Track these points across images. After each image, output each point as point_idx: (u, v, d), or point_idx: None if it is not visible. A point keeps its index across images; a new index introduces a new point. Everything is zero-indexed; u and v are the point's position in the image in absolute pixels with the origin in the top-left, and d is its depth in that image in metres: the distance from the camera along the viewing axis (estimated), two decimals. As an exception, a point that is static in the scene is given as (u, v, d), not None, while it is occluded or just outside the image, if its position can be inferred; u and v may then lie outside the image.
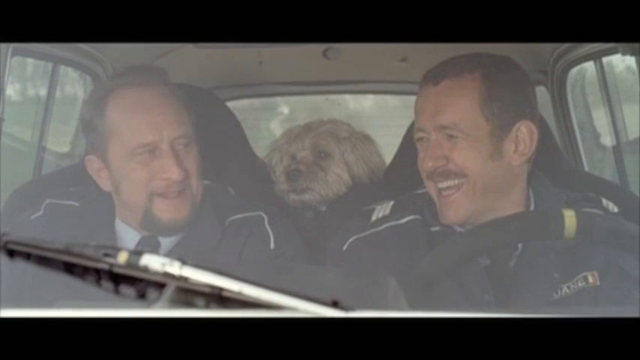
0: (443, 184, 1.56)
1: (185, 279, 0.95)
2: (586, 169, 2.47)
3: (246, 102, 3.22)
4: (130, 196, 1.65)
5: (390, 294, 1.21)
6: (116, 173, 1.64)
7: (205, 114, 1.70)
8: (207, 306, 0.94)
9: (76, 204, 1.75)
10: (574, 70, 2.38)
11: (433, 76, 1.58)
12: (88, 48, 2.17)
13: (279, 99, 3.83)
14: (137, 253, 0.98)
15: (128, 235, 1.69)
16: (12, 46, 1.70)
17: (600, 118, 2.58)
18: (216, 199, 1.72)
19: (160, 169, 1.61)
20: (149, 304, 0.95)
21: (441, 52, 1.62)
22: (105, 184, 1.68)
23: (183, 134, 1.64)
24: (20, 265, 1.04)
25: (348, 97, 3.65)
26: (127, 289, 0.96)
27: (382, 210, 1.67)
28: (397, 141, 1.99)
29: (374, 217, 1.66)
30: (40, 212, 1.74)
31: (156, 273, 0.96)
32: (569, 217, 1.35)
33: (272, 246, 1.69)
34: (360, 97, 3.88)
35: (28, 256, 1.02)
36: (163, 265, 0.96)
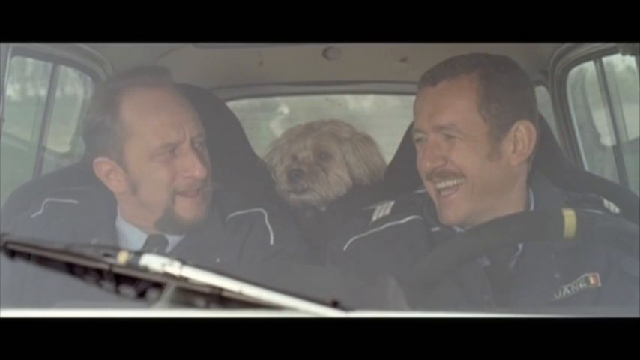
0: (442, 185, 1.56)
1: (185, 279, 0.95)
2: (586, 169, 2.47)
3: (246, 102, 3.22)
4: (150, 196, 1.64)
5: (390, 294, 1.21)
6: (134, 174, 1.63)
7: (205, 114, 1.70)
8: (207, 306, 0.94)
9: (75, 202, 1.75)
10: (574, 70, 2.38)
11: (431, 77, 1.58)
12: (88, 48, 2.17)
13: (279, 99, 3.82)
14: (137, 253, 0.98)
15: (133, 235, 1.69)
16: (12, 46, 1.70)
17: (600, 118, 2.58)
18: (218, 197, 1.73)
19: (183, 168, 1.62)
20: (149, 304, 0.95)
21: (441, 52, 1.62)
22: (116, 186, 1.67)
23: (201, 132, 1.66)
24: (20, 265, 1.04)
25: (348, 97, 3.65)
26: (127, 289, 0.96)
27: (382, 210, 1.67)
28: (397, 141, 2.00)
29: (374, 218, 1.66)
30: (40, 211, 1.74)
31: (156, 273, 0.96)
32: (569, 217, 1.35)
33: (272, 242, 1.70)
34: (360, 97, 3.88)
35: (28, 256, 1.02)
36: (163, 265, 0.96)
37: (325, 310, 0.93)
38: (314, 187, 1.98)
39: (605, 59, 2.31)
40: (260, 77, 2.79)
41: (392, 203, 1.68)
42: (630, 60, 1.77)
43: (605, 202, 1.62)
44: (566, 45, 2.20)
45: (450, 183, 1.55)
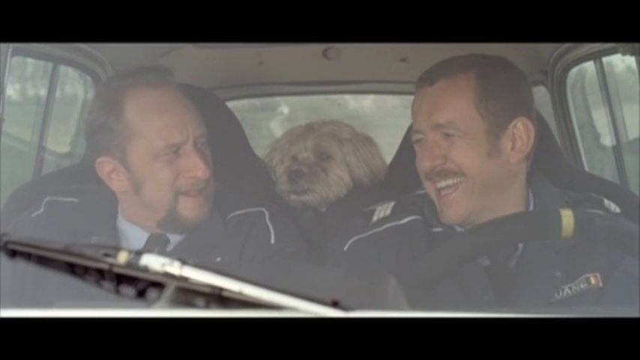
0: (441, 184, 1.56)
1: (185, 279, 0.95)
2: (586, 169, 2.47)
3: (246, 102, 3.21)
4: (153, 196, 1.65)
5: (390, 294, 1.21)
6: (137, 174, 1.64)
7: (205, 114, 1.70)
8: (207, 306, 0.94)
9: (75, 200, 1.75)
10: (574, 70, 2.38)
11: (428, 77, 1.59)
12: (88, 48, 2.17)
13: (279, 99, 3.82)
14: (137, 253, 0.98)
15: (135, 234, 1.70)
16: (12, 46, 1.70)
17: (600, 118, 2.58)
18: (218, 197, 1.73)
19: (186, 168, 1.63)
20: (149, 304, 0.95)
21: (441, 53, 1.62)
22: (119, 186, 1.67)
23: (204, 133, 1.67)
24: (20, 265, 1.04)
25: (348, 97, 3.64)
26: (127, 289, 0.96)
27: (383, 211, 1.67)
28: (397, 141, 2.00)
29: (375, 218, 1.66)
30: (41, 210, 1.74)
31: (156, 273, 0.96)
32: (567, 216, 1.35)
33: (272, 241, 1.70)
34: (360, 97, 3.87)
35: (28, 256, 1.02)
36: (163, 265, 0.96)
37: (325, 310, 0.93)
38: (314, 187, 1.98)
39: (605, 59, 2.31)
40: (260, 77, 2.79)
41: (392, 204, 1.68)
42: (630, 60, 1.77)
43: (606, 202, 1.62)
44: (566, 45, 2.20)
45: (449, 182, 1.55)
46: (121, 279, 0.97)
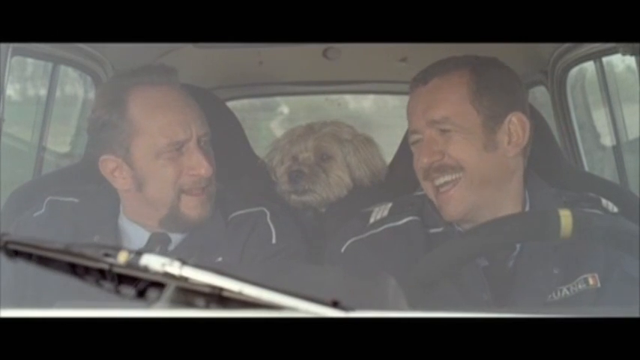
0: (440, 180, 1.56)
1: (185, 279, 0.95)
2: (586, 169, 2.47)
3: (246, 102, 3.22)
4: (156, 194, 1.65)
5: (390, 294, 1.21)
6: (141, 171, 1.64)
7: (205, 114, 1.70)
8: (207, 306, 0.94)
9: (76, 200, 1.75)
10: (574, 70, 2.38)
11: (422, 78, 1.61)
12: (88, 48, 2.17)
13: (279, 99, 3.82)
14: (137, 253, 0.98)
15: (136, 233, 1.70)
16: (12, 46, 1.70)
17: (600, 118, 2.58)
18: (220, 196, 1.73)
19: (189, 166, 1.63)
20: (149, 304, 0.95)
21: (441, 53, 1.62)
22: (122, 184, 1.67)
23: (207, 132, 1.67)
24: (20, 265, 1.04)
25: (348, 97, 3.65)
26: (127, 289, 0.96)
27: (380, 212, 1.67)
28: (397, 141, 2.00)
29: (372, 219, 1.66)
30: (42, 210, 1.74)
31: (156, 273, 0.96)
32: (565, 216, 1.35)
33: (274, 241, 1.70)
34: (360, 97, 3.88)
35: (28, 256, 1.02)
36: (163, 265, 0.96)
37: (325, 310, 0.93)
38: (315, 188, 1.98)
39: (605, 59, 2.31)
40: (260, 77, 2.79)
41: (390, 205, 1.68)
42: (630, 60, 1.78)
43: (604, 202, 1.62)
44: (566, 45, 2.20)
45: (448, 177, 1.56)
46: (121, 279, 0.97)
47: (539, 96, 2.56)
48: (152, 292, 0.95)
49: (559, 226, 1.35)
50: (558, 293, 1.51)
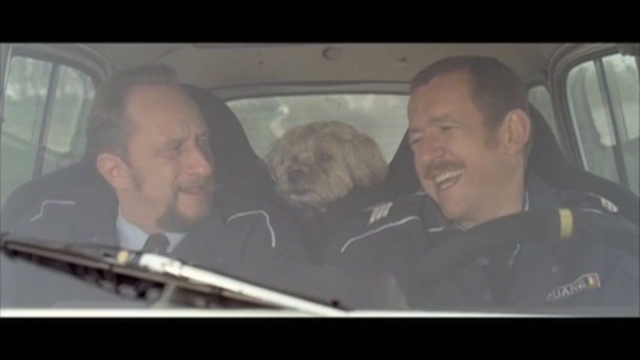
0: (441, 177, 1.57)
1: (185, 279, 0.95)
2: (586, 168, 2.47)
3: (246, 102, 3.22)
4: (154, 192, 1.65)
5: (390, 294, 1.21)
6: (139, 170, 1.64)
7: (205, 114, 1.71)
8: (207, 306, 0.94)
9: (73, 203, 1.75)
10: (574, 70, 2.38)
11: (423, 77, 1.62)
12: (88, 48, 2.17)
13: (279, 99, 3.83)
14: (137, 253, 0.98)
15: (135, 235, 1.70)
16: (12, 46, 1.70)
17: (600, 118, 2.58)
18: (219, 198, 1.73)
19: (187, 164, 1.64)
20: (149, 304, 0.95)
21: (441, 53, 1.63)
22: (120, 183, 1.67)
23: (205, 131, 1.68)
24: (20, 265, 1.04)
25: (348, 97, 3.65)
26: (127, 289, 0.96)
27: (380, 212, 1.67)
28: (397, 141, 2.00)
29: (372, 219, 1.66)
30: (40, 214, 1.74)
31: (156, 273, 0.96)
32: (565, 216, 1.35)
33: (273, 244, 1.70)
34: (360, 97, 3.88)
35: (28, 256, 1.02)
36: (163, 265, 0.96)
37: (325, 310, 0.93)
38: (315, 188, 1.98)
39: (605, 59, 2.31)
40: (260, 77, 2.79)
41: (390, 204, 1.68)
42: (630, 60, 1.78)
43: (603, 201, 1.62)
44: (566, 45, 2.21)
45: (449, 174, 1.56)
46: (121, 279, 0.97)
47: (539, 96, 2.57)
48: (152, 292, 0.95)
49: (559, 226, 1.35)
50: (558, 293, 1.51)
